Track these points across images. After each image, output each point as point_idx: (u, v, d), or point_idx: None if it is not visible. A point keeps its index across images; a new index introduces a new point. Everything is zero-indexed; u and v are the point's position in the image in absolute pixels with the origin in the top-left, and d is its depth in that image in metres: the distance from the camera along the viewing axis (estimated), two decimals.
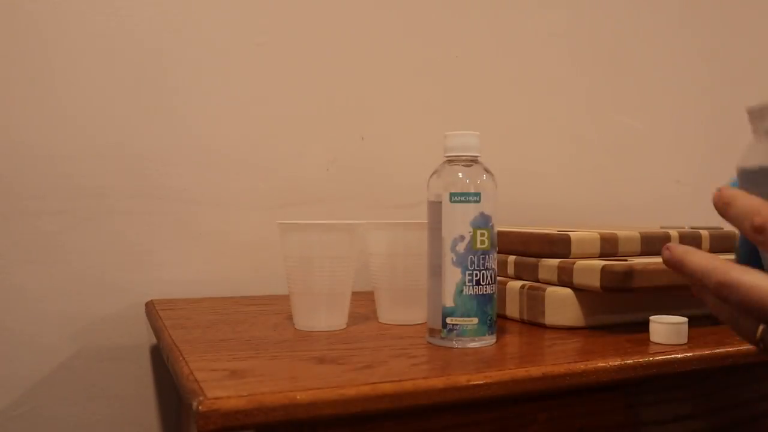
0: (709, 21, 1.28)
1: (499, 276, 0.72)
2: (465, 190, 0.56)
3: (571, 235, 0.66)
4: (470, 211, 0.56)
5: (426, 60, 1.01)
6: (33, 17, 0.82)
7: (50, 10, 0.82)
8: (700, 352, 0.57)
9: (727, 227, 0.82)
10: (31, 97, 0.82)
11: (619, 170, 1.18)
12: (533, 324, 0.67)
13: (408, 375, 0.47)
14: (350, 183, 0.97)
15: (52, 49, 0.83)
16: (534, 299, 0.66)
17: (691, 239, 0.76)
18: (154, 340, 0.87)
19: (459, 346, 0.56)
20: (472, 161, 0.58)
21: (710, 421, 0.63)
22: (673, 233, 0.74)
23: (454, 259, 0.56)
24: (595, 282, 0.61)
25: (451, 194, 0.56)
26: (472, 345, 0.57)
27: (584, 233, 0.68)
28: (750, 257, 0.42)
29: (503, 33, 1.08)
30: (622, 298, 0.67)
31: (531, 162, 1.10)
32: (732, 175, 0.41)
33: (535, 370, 0.50)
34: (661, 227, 0.85)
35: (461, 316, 0.56)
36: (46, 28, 0.82)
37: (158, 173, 0.88)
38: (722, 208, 0.36)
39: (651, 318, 0.61)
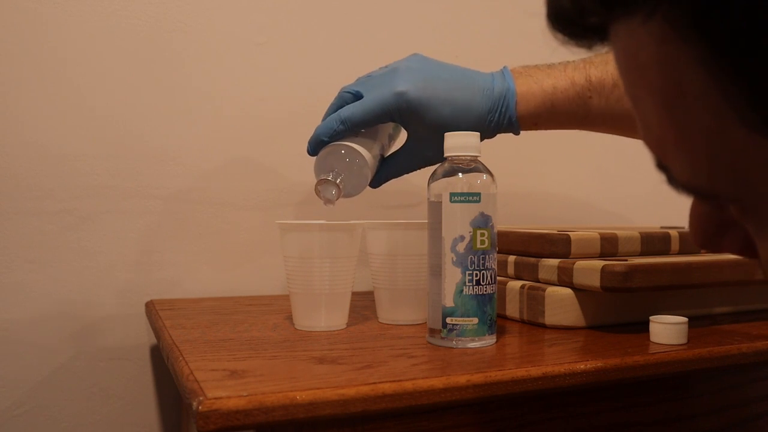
0: None
1: (499, 276, 0.72)
2: (465, 190, 0.56)
3: (571, 235, 0.66)
4: (470, 211, 0.56)
5: None
6: (34, 18, 0.82)
7: (51, 11, 0.82)
8: (700, 352, 0.57)
9: None
10: (33, 96, 0.82)
11: (620, 169, 1.18)
12: (533, 324, 0.67)
13: (408, 375, 0.47)
14: None
15: (52, 51, 0.83)
16: (534, 299, 0.66)
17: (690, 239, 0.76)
18: (154, 340, 0.87)
19: (459, 346, 0.56)
20: (472, 161, 0.58)
21: (710, 421, 0.63)
22: (673, 233, 0.74)
23: (454, 259, 0.56)
24: (595, 282, 0.61)
25: (451, 194, 0.56)
26: (472, 345, 0.57)
27: (584, 233, 0.68)
28: None
29: (501, 32, 1.08)
30: (622, 298, 0.67)
31: (531, 162, 1.10)
32: None
33: (535, 370, 0.50)
34: (661, 227, 0.85)
35: (461, 316, 0.56)
36: (48, 28, 0.82)
37: (158, 173, 0.88)
38: None
39: (651, 318, 0.61)
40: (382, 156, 0.69)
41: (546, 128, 0.69)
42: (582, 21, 0.25)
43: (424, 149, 0.67)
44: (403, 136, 0.70)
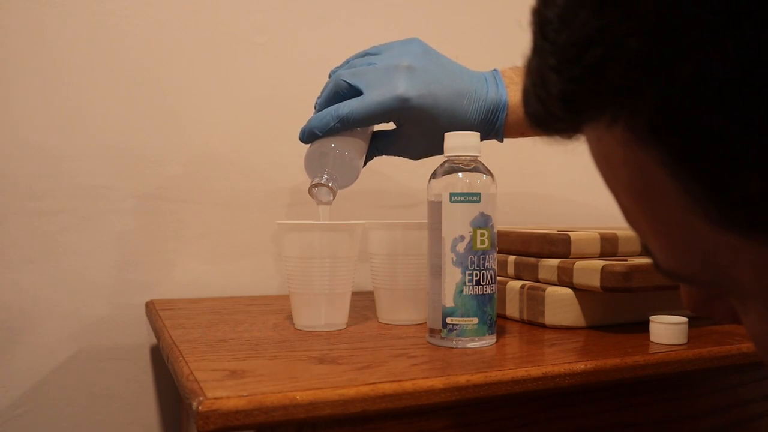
0: None
1: (499, 276, 0.72)
2: (465, 190, 0.56)
3: (571, 235, 0.66)
4: (470, 211, 0.56)
5: None
6: (33, 17, 0.82)
7: (50, 11, 0.82)
8: (700, 352, 0.57)
9: None
10: (32, 97, 0.82)
11: None
12: (533, 324, 0.67)
13: (408, 375, 0.47)
14: None
15: (52, 50, 0.83)
16: (534, 299, 0.66)
17: None
18: (154, 340, 0.87)
19: (459, 346, 0.56)
20: (472, 161, 0.58)
21: (710, 421, 0.63)
22: None
23: (454, 259, 0.56)
24: (595, 282, 0.61)
25: (451, 194, 0.56)
26: (472, 345, 0.57)
27: (584, 233, 0.68)
28: None
29: (498, 31, 1.08)
30: (622, 298, 0.67)
31: (531, 162, 1.10)
32: None
33: (535, 370, 0.50)
34: None
35: (461, 316, 0.56)
36: (46, 27, 0.82)
37: (158, 173, 0.88)
38: None
39: (651, 318, 0.61)
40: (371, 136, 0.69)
41: (533, 136, 0.69)
42: (554, 124, 0.27)
43: (415, 145, 0.68)
44: None
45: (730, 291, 0.27)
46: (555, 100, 0.25)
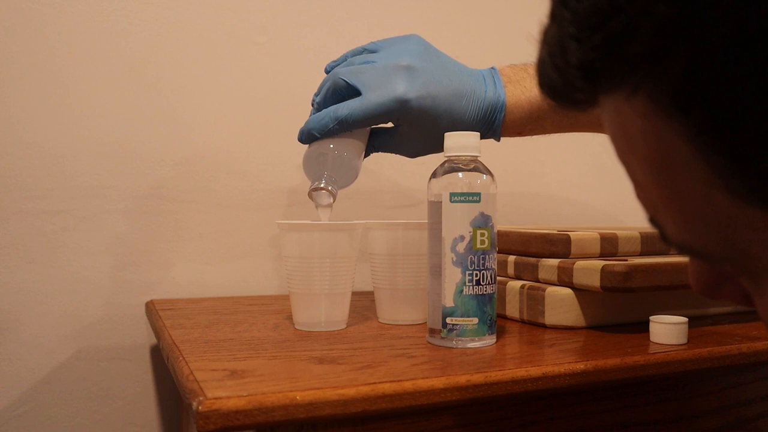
0: None
1: (499, 276, 0.72)
2: (465, 190, 0.56)
3: (571, 235, 0.66)
4: (470, 211, 0.56)
5: None
6: (34, 17, 0.82)
7: (51, 10, 0.82)
8: (700, 352, 0.57)
9: None
10: (32, 97, 0.82)
11: (620, 169, 1.18)
12: (533, 324, 0.67)
13: (408, 375, 0.47)
14: None
15: (52, 49, 0.83)
16: (534, 299, 0.66)
17: None
18: (154, 340, 0.87)
19: (459, 346, 0.56)
20: (472, 161, 0.58)
21: (710, 421, 0.63)
22: None
23: (454, 259, 0.56)
24: (595, 282, 0.61)
25: (451, 194, 0.56)
26: (472, 345, 0.57)
27: (584, 233, 0.68)
28: None
29: (498, 31, 1.08)
30: (622, 298, 0.67)
31: (531, 162, 1.10)
32: None
33: (535, 370, 0.50)
34: None
35: (461, 316, 0.56)
36: (47, 27, 0.82)
37: (158, 173, 0.88)
38: None
39: (651, 318, 0.61)
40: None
41: (530, 135, 0.69)
42: (571, 95, 0.26)
43: (412, 144, 0.68)
44: None
45: (745, 269, 0.27)
46: (574, 69, 0.24)
